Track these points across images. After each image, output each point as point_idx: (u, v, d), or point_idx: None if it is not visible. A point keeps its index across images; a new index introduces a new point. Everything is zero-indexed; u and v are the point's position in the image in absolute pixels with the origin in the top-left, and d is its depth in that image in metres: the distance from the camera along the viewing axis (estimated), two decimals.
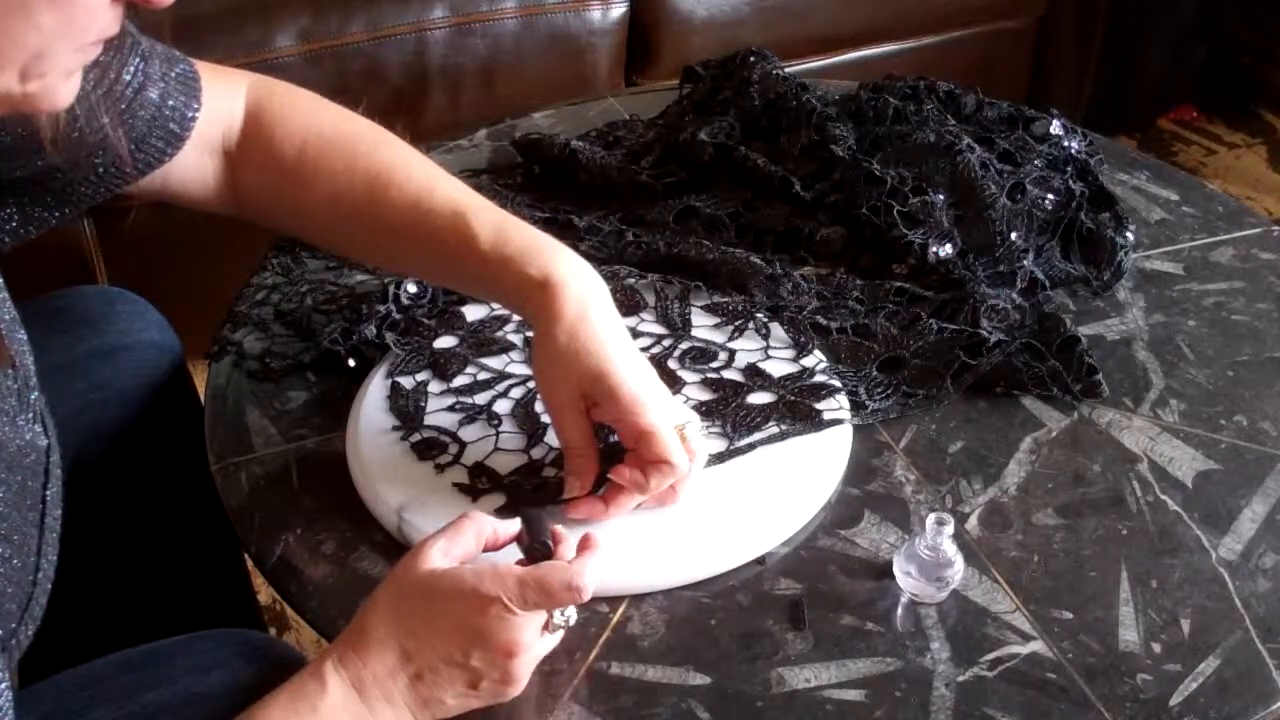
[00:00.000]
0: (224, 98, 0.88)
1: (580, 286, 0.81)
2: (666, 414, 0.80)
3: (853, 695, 0.73)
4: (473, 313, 0.99)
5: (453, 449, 0.88)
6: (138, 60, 0.81)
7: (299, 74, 1.67)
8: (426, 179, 0.87)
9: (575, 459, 0.81)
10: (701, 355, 0.95)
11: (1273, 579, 0.80)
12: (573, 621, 0.73)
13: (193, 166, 0.87)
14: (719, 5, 1.88)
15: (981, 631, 0.77)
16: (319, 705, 0.67)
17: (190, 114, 0.85)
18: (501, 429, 0.89)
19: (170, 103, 0.83)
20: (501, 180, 1.18)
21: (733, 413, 0.90)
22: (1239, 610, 0.78)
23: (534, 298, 0.81)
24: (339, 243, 0.92)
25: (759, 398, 0.91)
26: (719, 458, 0.87)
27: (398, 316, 0.97)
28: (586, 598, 0.70)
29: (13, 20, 0.57)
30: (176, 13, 1.71)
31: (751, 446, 0.88)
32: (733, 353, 0.96)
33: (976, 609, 0.78)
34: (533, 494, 0.84)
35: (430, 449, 0.87)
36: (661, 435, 0.79)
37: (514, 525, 0.75)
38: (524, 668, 0.71)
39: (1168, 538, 0.83)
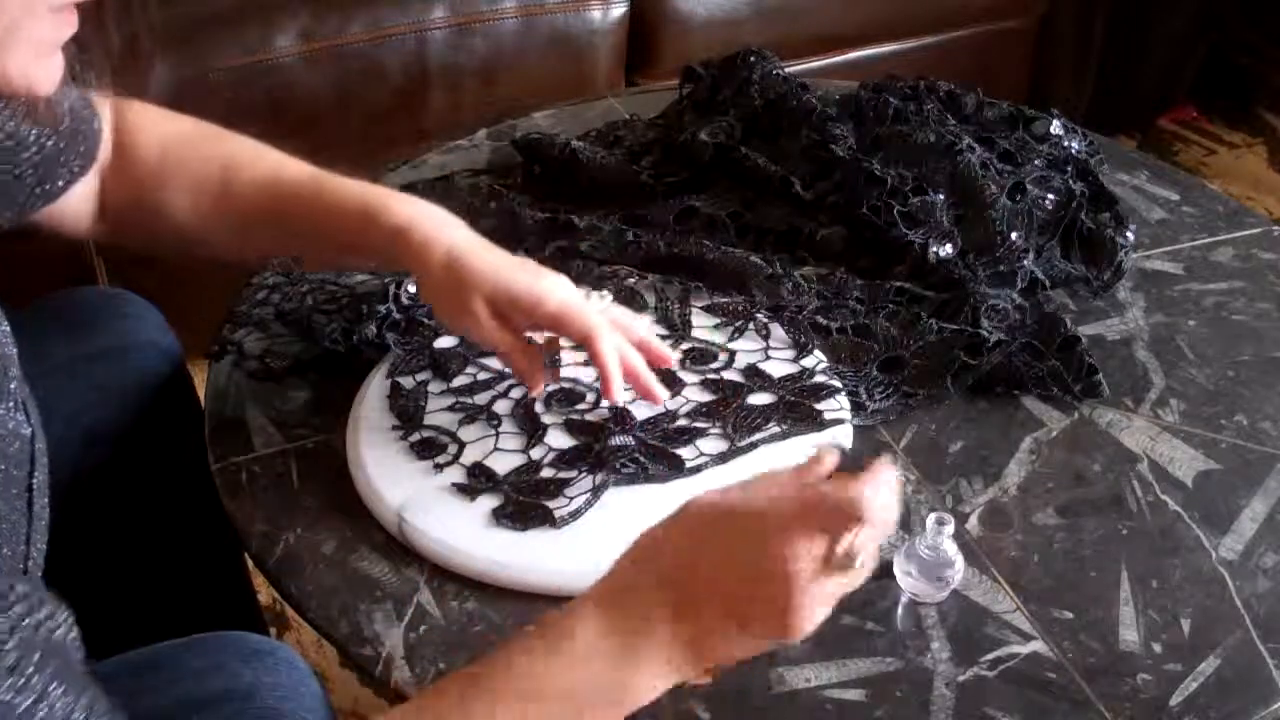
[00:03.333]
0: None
1: (437, 219, 0.85)
2: (569, 293, 0.83)
3: (853, 695, 0.73)
4: None
5: (452, 449, 0.88)
6: None
7: (299, 74, 1.67)
8: (276, 159, 0.90)
9: (515, 361, 0.86)
10: (701, 356, 0.95)
11: (1273, 579, 0.80)
12: (860, 565, 0.63)
13: (86, 187, 0.89)
14: (719, 5, 1.88)
15: (982, 631, 0.77)
16: (576, 642, 0.62)
17: (97, 128, 0.87)
18: (501, 429, 0.89)
19: (84, 123, 0.85)
20: (501, 180, 1.18)
21: (733, 413, 0.90)
22: (1239, 610, 0.78)
23: (401, 241, 0.84)
24: (200, 238, 0.93)
25: (759, 398, 0.91)
26: (720, 458, 0.87)
27: (398, 316, 0.97)
28: (865, 517, 0.61)
29: None
30: (176, 13, 1.71)
31: (752, 446, 0.88)
32: (733, 353, 0.95)
33: (977, 609, 0.78)
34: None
35: (430, 449, 0.87)
36: (574, 307, 0.83)
37: None
38: (801, 601, 0.62)
39: (1168, 538, 0.83)
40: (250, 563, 0.95)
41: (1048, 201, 1.06)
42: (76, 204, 0.90)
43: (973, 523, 0.84)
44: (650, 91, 1.43)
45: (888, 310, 1.00)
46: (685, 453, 0.87)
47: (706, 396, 0.92)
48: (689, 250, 1.04)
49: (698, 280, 1.02)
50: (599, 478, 0.85)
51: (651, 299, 1.00)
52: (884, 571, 0.80)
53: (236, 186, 0.89)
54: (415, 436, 0.88)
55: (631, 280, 1.01)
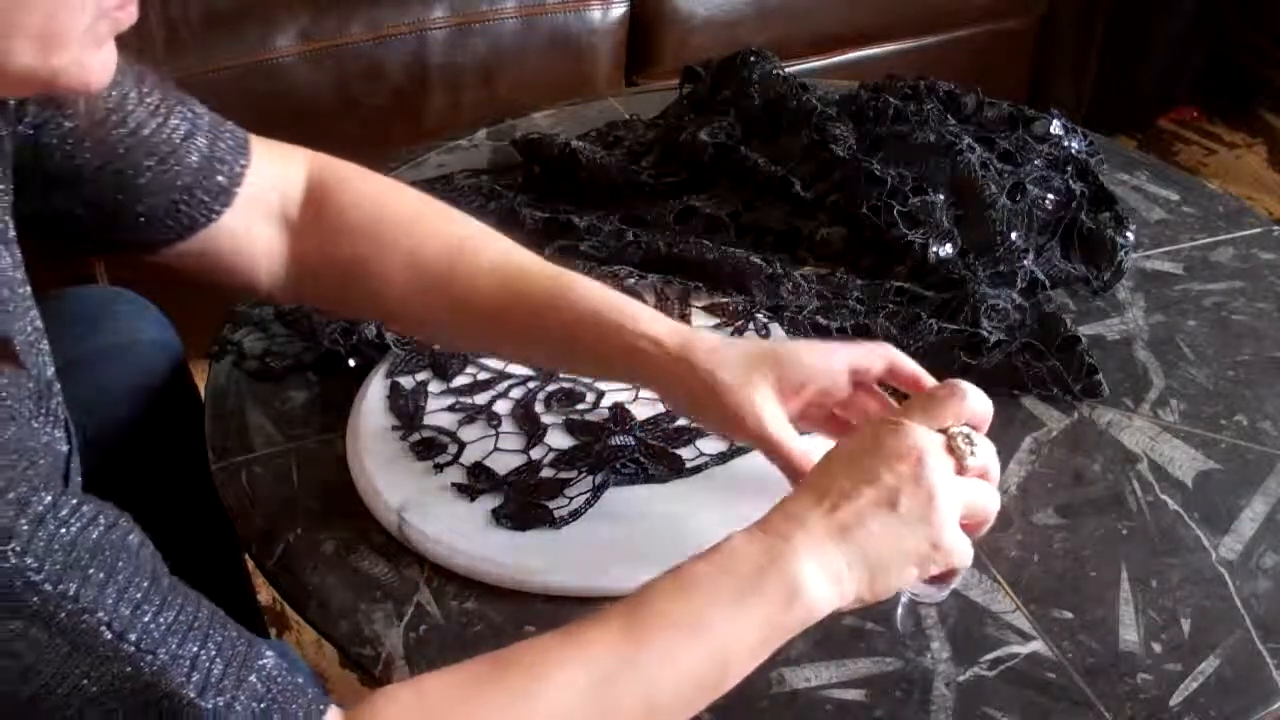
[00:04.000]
0: (279, 162, 0.84)
1: (688, 333, 0.78)
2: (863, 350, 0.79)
3: (853, 695, 0.73)
4: None
5: (452, 449, 0.88)
6: (186, 110, 0.78)
7: (299, 74, 1.67)
8: (507, 248, 0.83)
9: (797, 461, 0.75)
10: None
11: (1273, 579, 0.80)
12: (979, 451, 0.68)
13: (249, 235, 0.82)
14: (719, 5, 1.88)
15: (981, 631, 0.77)
16: (721, 550, 0.63)
17: (238, 167, 0.80)
18: (501, 429, 0.89)
19: (218, 154, 0.79)
20: (501, 180, 1.18)
21: None
22: (1239, 610, 0.78)
23: (660, 352, 0.76)
24: (417, 318, 0.85)
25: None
26: (720, 458, 0.87)
27: None
28: (967, 401, 0.69)
29: None
30: (176, 13, 1.70)
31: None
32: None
33: (976, 609, 0.78)
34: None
35: (430, 449, 0.87)
36: (898, 355, 0.78)
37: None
38: (939, 481, 0.65)
39: (1168, 537, 0.83)
40: (250, 562, 0.95)
41: (1048, 201, 1.06)
42: (254, 257, 0.83)
43: None
44: (650, 91, 1.43)
45: (888, 310, 1.00)
46: (685, 452, 0.87)
47: None
48: (689, 250, 1.04)
49: (698, 280, 1.02)
50: (599, 478, 0.85)
51: (651, 299, 1.00)
52: None
53: (464, 274, 0.81)
54: (415, 436, 0.88)
55: (631, 280, 1.01)
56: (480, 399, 0.92)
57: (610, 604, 0.64)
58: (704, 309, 1.00)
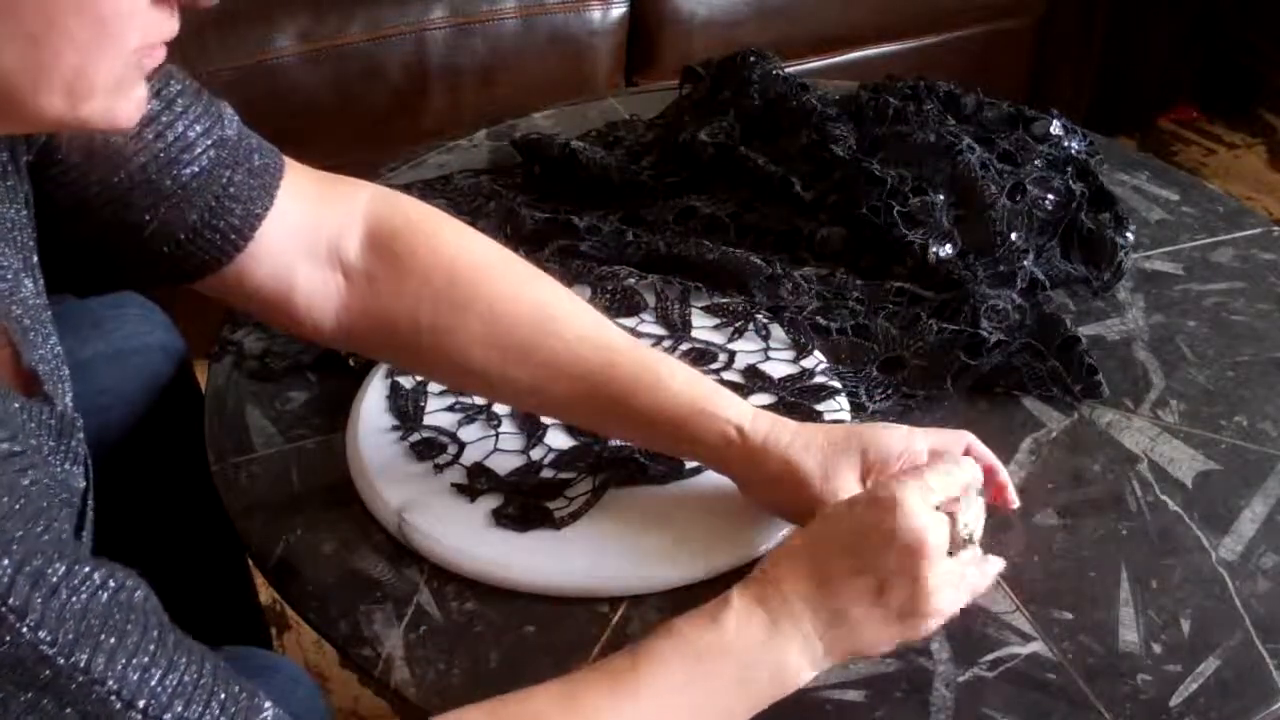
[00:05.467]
0: (333, 202, 0.79)
1: (768, 420, 0.78)
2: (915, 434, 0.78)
3: (853, 695, 0.73)
4: None
5: (452, 449, 0.88)
6: (201, 122, 0.74)
7: (299, 74, 1.67)
8: (595, 320, 0.80)
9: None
10: (701, 356, 0.95)
11: (1273, 579, 0.80)
12: (977, 536, 0.71)
13: (279, 277, 0.78)
14: (719, 5, 1.88)
15: (981, 632, 0.77)
16: (724, 626, 0.65)
17: (258, 208, 0.75)
18: (501, 429, 0.89)
19: (232, 189, 0.74)
20: (501, 180, 1.18)
21: None
22: (1239, 611, 0.78)
23: (742, 440, 0.77)
24: (482, 379, 0.81)
25: (759, 399, 0.91)
26: None
27: None
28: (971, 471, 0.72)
29: (41, 34, 0.53)
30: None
31: None
32: (733, 354, 0.95)
33: (976, 609, 0.78)
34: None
35: (430, 449, 0.87)
36: (976, 441, 0.79)
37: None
38: (931, 573, 0.66)
39: (1168, 538, 0.83)
40: (250, 563, 0.95)
41: (1048, 202, 1.06)
42: (310, 300, 0.78)
43: None
44: (650, 91, 1.43)
45: (887, 310, 1.00)
46: None
47: None
48: (689, 250, 1.04)
49: (698, 280, 1.02)
50: (599, 478, 0.85)
51: (651, 299, 1.00)
52: None
53: (549, 348, 0.78)
54: (415, 437, 0.88)
55: (631, 280, 1.01)
56: (480, 399, 0.92)
57: (608, 664, 0.65)
58: (704, 309, 1.00)
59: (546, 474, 0.86)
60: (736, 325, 0.98)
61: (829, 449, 0.76)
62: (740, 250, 1.04)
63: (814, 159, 1.11)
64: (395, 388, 0.92)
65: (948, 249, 1.03)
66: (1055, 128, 1.14)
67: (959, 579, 0.69)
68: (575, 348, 0.78)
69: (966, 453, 0.78)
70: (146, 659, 0.54)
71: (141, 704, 0.54)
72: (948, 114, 1.15)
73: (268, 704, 0.59)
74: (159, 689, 0.54)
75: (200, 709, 0.56)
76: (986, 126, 1.15)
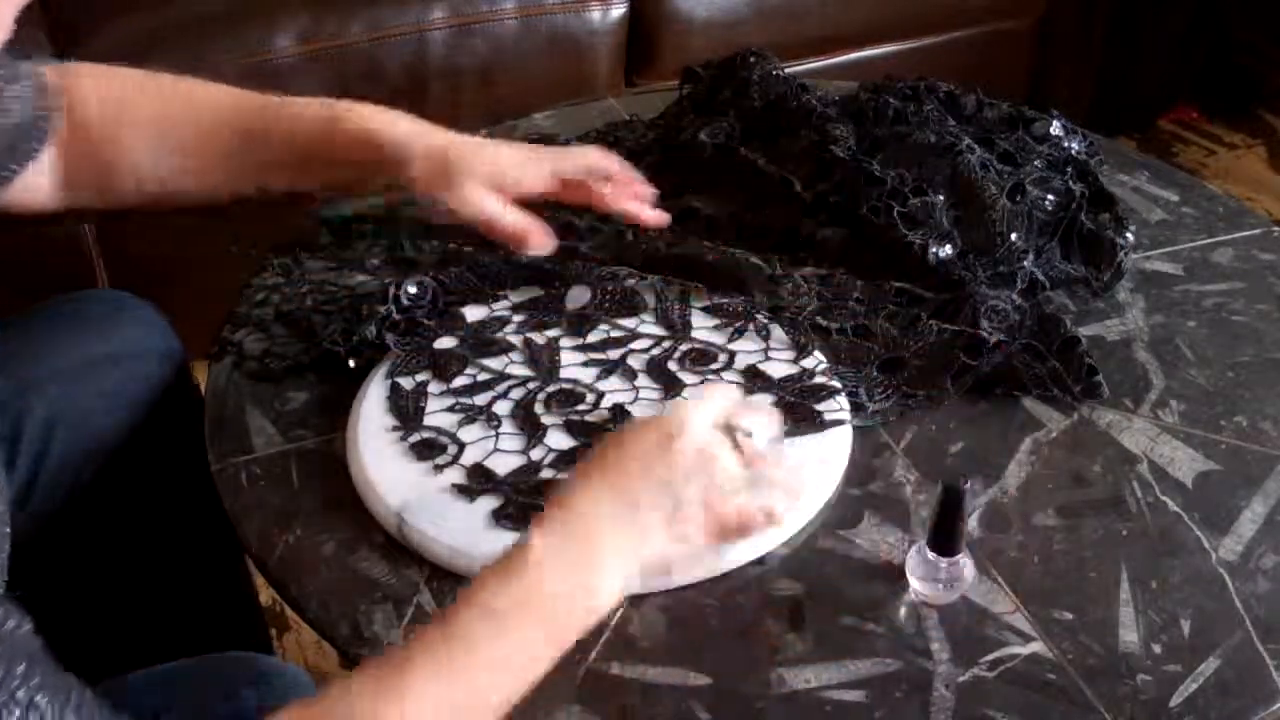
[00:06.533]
0: (56, 93, 0.90)
1: (395, 117, 0.92)
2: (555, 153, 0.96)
3: (853, 696, 0.73)
4: (473, 313, 0.99)
5: (452, 450, 0.88)
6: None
7: (299, 74, 1.67)
8: (228, 90, 0.94)
9: (509, 224, 0.94)
10: (701, 357, 0.95)
11: (1273, 579, 0.80)
12: (764, 443, 0.75)
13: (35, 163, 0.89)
14: (719, 5, 1.88)
15: (981, 632, 0.77)
16: (530, 578, 0.67)
17: (58, 105, 0.88)
18: (501, 430, 0.89)
19: (42, 102, 0.86)
20: None
21: None
22: (1239, 611, 0.78)
23: (373, 141, 0.90)
24: (164, 185, 0.93)
25: (759, 399, 0.91)
26: None
27: (398, 317, 0.97)
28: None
29: None
30: (176, 13, 1.70)
31: None
32: (733, 354, 0.96)
33: (976, 609, 0.78)
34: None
35: (430, 450, 0.87)
36: (569, 151, 0.97)
37: None
38: (726, 483, 0.71)
39: (1168, 538, 0.83)
40: (250, 564, 0.95)
41: (1048, 202, 1.06)
42: (33, 178, 0.90)
43: (973, 523, 0.84)
44: (650, 92, 1.43)
45: (888, 311, 1.00)
46: None
47: None
48: (689, 251, 1.04)
49: (698, 281, 1.02)
50: None
51: (651, 299, 1.00)
52: (884, 572, 0.80)
53: (195, 122, 0.91)
54: (415, 437, 0.88)
55: (631, 281, 1.01)
56: (480, 400, 0.92)
57: (423, 642, 0.66)
58: (704, 309, 1.00)
59: (546, 474, 0.86)
60: (736, 325, 0.98)
61: (467, 162, 0.92)
62: (740, 251, 1.04)
63: (814, 159, 1.11)
64: (395, 388, 0.92)
65: (948, 249, 1.03)
66: (1055, 128, 1.14)
67: (754, 482, 0.73)
68: (216, 118, 0.92)
69: (609, 179, 0.97)
70: (4, 696, 0.54)
71: None
72: (948, 114, 1.15)
73: None
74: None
75: None
76: (986, 127, 1.15)
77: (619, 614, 0.78)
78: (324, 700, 0.63)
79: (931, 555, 0.77)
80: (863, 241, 1.06)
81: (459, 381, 0.93)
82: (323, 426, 0.92)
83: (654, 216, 1.01)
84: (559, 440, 0.88)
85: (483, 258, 1.03)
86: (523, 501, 0.83)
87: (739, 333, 0.98)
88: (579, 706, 0.73)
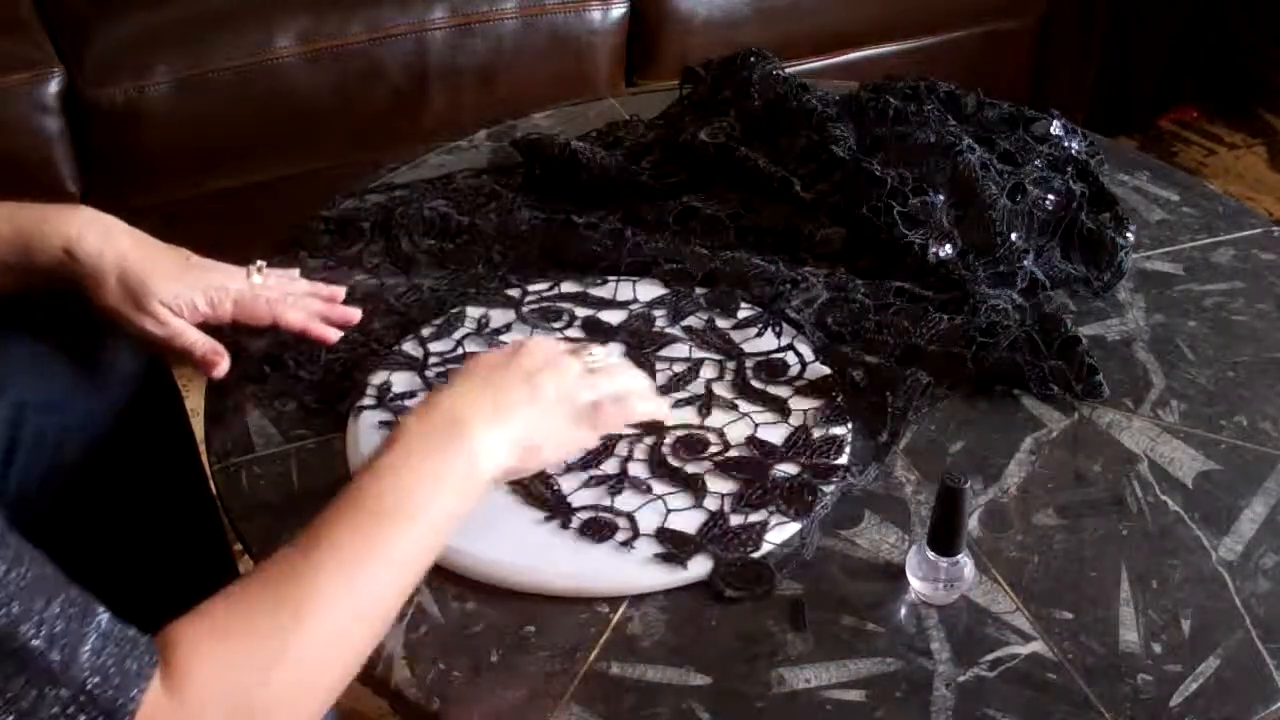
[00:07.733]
0: None
1: (102, 227, 0.89)
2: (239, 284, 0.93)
3: (853, 696, 0.73)
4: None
5: None
6: None
7: (299, 74, 1.67)
8: None
9: (195, 343, 0.92)
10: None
11: (1273, 579, 0.80)
12: (606, 360, 0.83)
13: None
14: (719, 5, 1.88)
15: (982, 632, 0.77)
16: (401, 473, 0.71)
17: None
18: None
19: None
20: (501, 180, 1.18)
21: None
22: (1239, 610, 0.78)
23: (69, 258, 0.87)
24: None
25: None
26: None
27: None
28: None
29: None
30: (176, 13, 1.70)
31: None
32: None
33: (977, 609, 0.78)
34: None
35: None
36: (247, 298, 0.93)
37: None
38: (576, 370, 0.80)
39: (1168, 538, 0.83)
40: (247, 561, 0.95)
41: (1048, 202, 1.06)
42: None
43: (973, 523, 0.84)
44: (650, 92, 1.43)
45: (893, 308, 1.00)
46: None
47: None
48: (689, 251, 1.03)
49: (698, 281, 1.02)
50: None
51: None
52: (885, 572, 0.80)
53: None
54: None
55: (630, 282, 1.01)
56: None
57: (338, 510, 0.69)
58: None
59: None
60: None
61: (151, 278, 0.89)
62: (740, 251, 1.04)
63: (814, 159, 1.11)
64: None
65: (948, 249, 1.03)
66: (1055, 128, 1.14)
67: (603, 378, 0.81)
68: None
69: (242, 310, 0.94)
70: None
71: None
72: (948, 114, 1.15)
73: (102, 609, 0.62)
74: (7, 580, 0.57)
75: (43, 601, 0.59)
76: (986, 127, 1.15)
77: (619, 614, 0.78)
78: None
79: (932, 555, 0.77)
80: (863, 242, 1.06)
81: None
82: (323, 426, 0.92)
83: (322, 331, 0.97)
84: None
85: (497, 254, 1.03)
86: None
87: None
88: (578, 707, 0.73)
